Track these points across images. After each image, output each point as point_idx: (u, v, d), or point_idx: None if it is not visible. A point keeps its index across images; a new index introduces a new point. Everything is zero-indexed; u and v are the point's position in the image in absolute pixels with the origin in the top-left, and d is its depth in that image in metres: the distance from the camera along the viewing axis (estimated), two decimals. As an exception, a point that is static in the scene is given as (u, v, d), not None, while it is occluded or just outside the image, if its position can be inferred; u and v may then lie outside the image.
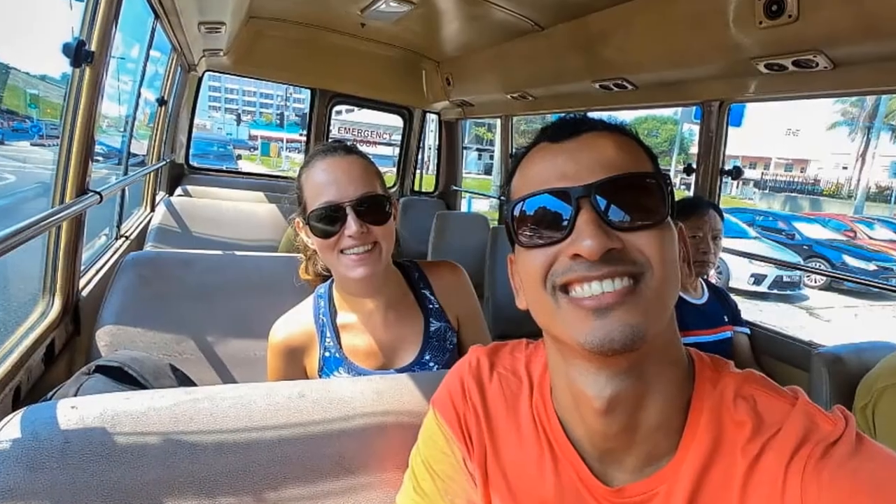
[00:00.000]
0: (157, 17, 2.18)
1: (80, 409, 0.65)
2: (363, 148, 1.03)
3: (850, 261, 10.04)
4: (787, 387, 0.52)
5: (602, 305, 0.47)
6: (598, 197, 0.49)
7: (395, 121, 4.32)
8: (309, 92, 3.87)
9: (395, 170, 4.40)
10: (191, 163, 3.79)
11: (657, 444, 0.52)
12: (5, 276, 2.01)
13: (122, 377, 0.92)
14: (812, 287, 9.71)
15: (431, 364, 1.02)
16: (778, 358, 1.78)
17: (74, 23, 1.24)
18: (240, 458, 0.67)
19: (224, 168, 6.94)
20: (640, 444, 0.53)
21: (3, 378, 0.95)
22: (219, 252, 1.47)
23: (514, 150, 3.50)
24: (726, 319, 1.75)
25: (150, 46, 2.52)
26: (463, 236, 3.38)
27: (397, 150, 4.51)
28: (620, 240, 0.48)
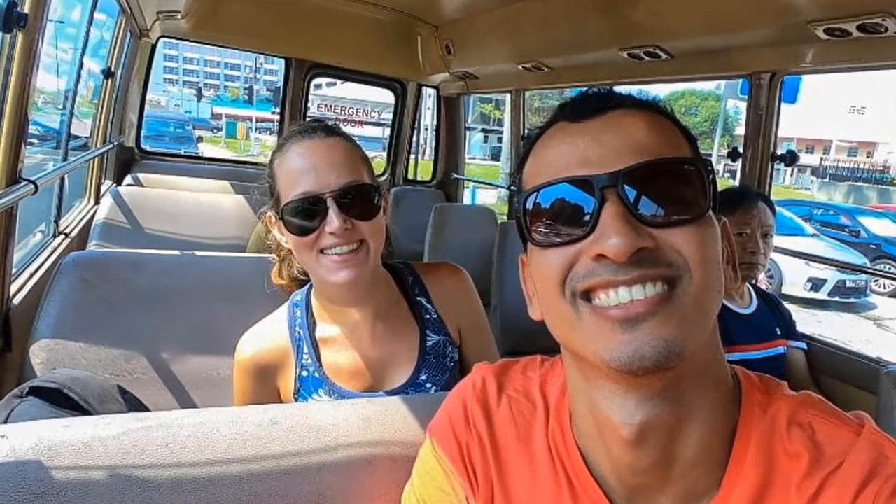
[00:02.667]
0: (102, -28, 2.19)
1: (11, 438, 0.65)
2: (347, 129, 1.03)
3: (927, 263, 10.05)
4: (851, 412, 0.53)
5: (631, 316, 0.47)
6: (626, 186, 0.49)
7: (386, 96, 4.32)
8: (283, 62, 3.87)
9: (384, 154, 4.40)
10: (143, 146, 3.79)
11: (696, 480, 0.52)
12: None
13: (61, 401, 0.91)
14: (881, 293, 9.70)
15: (428, 385, 1.03)
16: (840, 378, 1.78)
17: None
18: (201, 496, 0.67)
19: (182, 152, 6.97)
20: (676, 481, 0.53)
21: (-81, 402, 0.95)
22: (176, 252, 1.47)
23: (526, 131, 3.49)
24: (779, 332, 1.75)
25: (94, 8, 2.52)
26: (466, 233, 3.38)
27: (388, 132, 4.51)
28: (653, 237, 0.48)
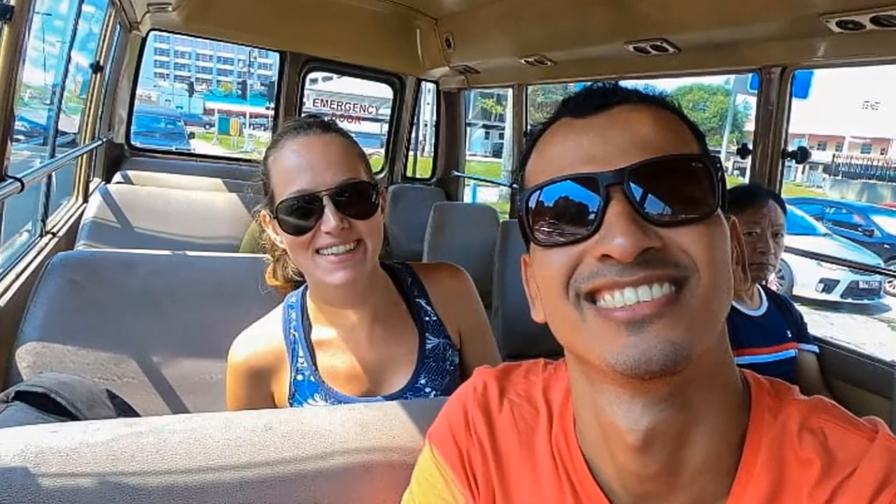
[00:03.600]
0: (90, -37, 2.19)
1: (-3, 444, 0.65)
2: (344, 124, 1.03)
3: (944, 263, 10.04)
4: (865, 417, 0.53)
5: (637, 318, 0.47)
6: (632, 184, 0.49)
7: (384, 91, 4.32)
8: (277, 56, 3.87)
9: (382, 151, 4.40)
10: (132, 143, 3.80)
11: (704, 488, 0.52)
12: None
13: (48, 406, 0.91)
14: (895, 295, 9.71)
15: (428, 389, 1.02)
16: (853, 382, 1.78)
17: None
18: (193, 504, 0.67)
19: (173, 149, 6.97)
20: (683, 489, 0.53)
21: None
22: (167, 252, 1.47)
23: (528, 127, 3.50)
24: (789, 335, 1.75)
25: (82, 0, 2.52)
26: (466, 233, 3.39)
27: (386, 128, 4.52)
28: (660, 237, 0.48)
